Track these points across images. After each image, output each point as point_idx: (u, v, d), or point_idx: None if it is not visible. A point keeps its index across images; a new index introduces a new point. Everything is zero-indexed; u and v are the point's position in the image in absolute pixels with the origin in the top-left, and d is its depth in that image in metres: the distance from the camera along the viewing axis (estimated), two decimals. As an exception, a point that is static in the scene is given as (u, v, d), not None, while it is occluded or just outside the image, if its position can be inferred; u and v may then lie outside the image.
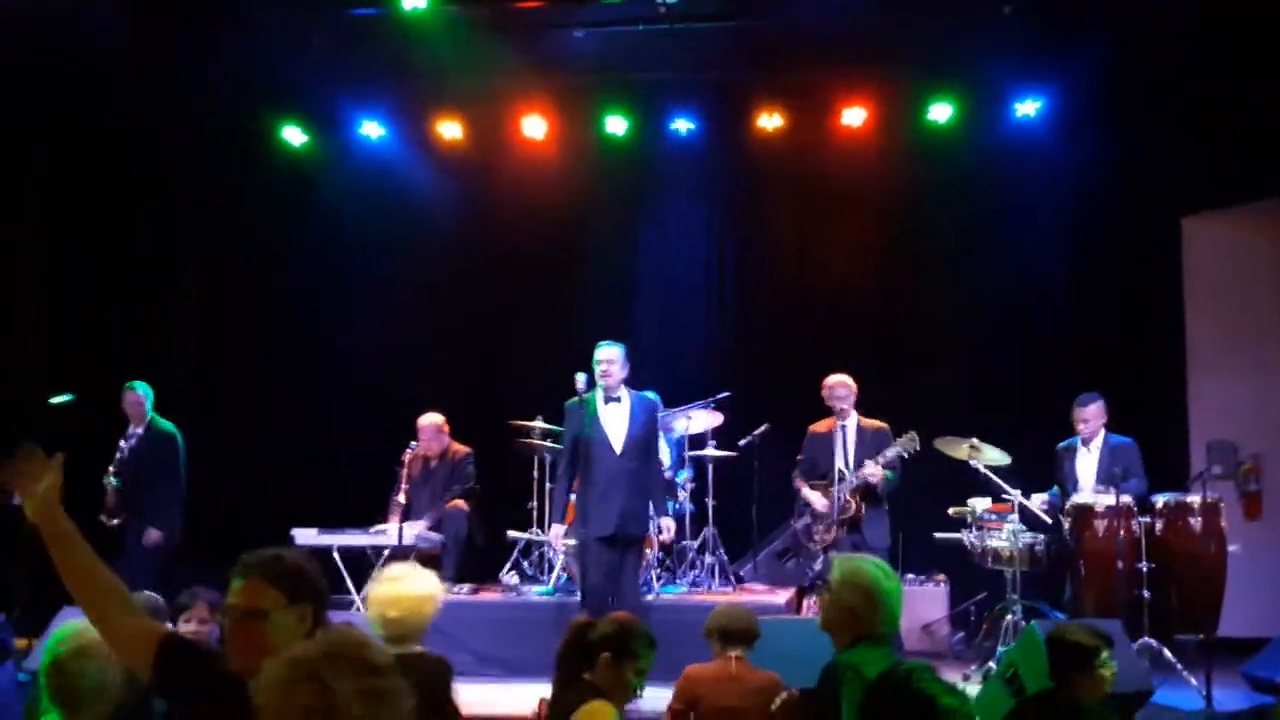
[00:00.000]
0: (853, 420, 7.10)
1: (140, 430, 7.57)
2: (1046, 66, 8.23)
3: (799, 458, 7.28)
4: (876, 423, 7.09)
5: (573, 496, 6.38)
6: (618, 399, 6.26)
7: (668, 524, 6.50)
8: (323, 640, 1.86)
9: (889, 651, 3.42)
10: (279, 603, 2.48)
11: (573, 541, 6.62)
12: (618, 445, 6.19)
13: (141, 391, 7.57)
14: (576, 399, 6.30)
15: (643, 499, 6.25)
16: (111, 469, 7.46)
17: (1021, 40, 7.85)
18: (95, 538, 7.38)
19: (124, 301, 8.77)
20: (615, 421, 6.23)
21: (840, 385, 7.09)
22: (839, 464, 6.98)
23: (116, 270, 8.73)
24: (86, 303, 8.64)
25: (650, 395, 6.56)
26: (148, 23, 7.57)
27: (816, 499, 7.04)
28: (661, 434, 6.98)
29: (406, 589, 3.52)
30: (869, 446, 6.98)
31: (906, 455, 6.85)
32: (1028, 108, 8.45)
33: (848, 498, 6.90)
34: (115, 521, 7.36)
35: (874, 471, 6.83)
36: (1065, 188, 8.29)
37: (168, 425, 7.59)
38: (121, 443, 7.58)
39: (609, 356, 6.25)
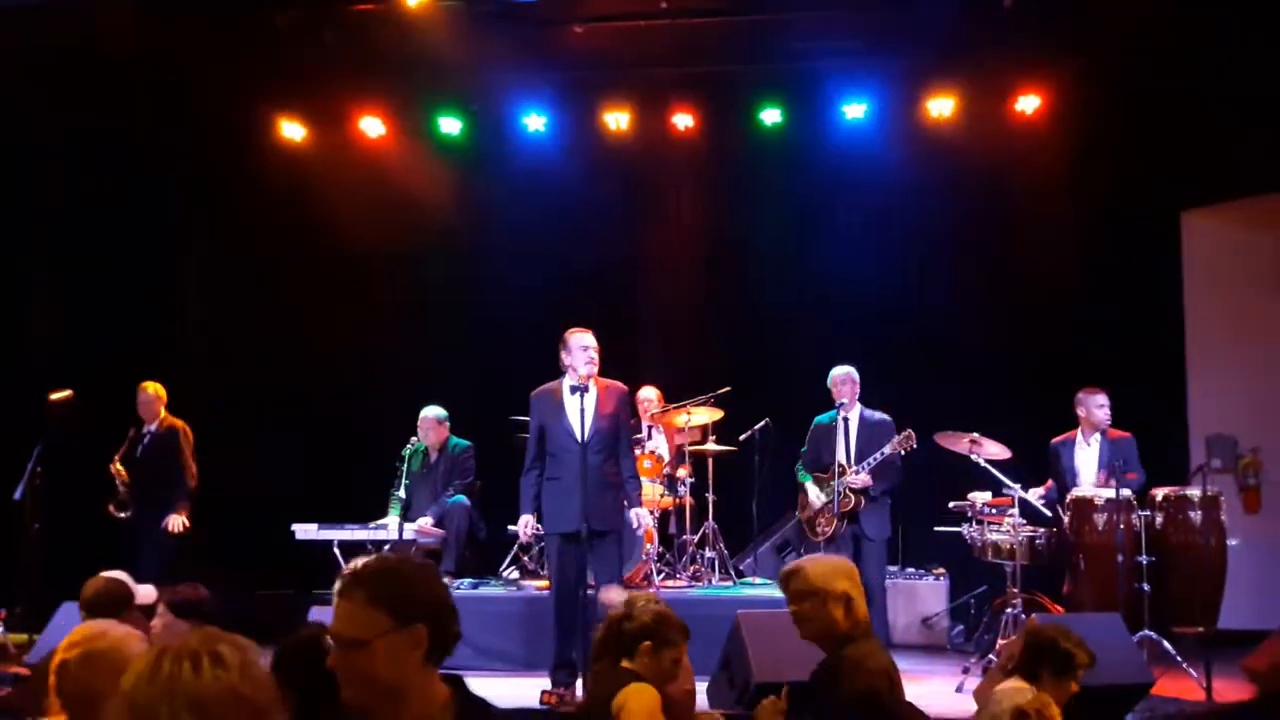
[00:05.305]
0: (856, 413, 7.09)
1: (153, 428, 7.68)
2: (1047, 61, 8.23)
3: (803, 449, 7.28)
4: (879, 415, 7.08)
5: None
6: (586, 389, 5.82)
7: (642, 514, 6.24)
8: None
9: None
10: (382, 627, 2.11)
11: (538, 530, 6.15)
12: (582, 437, 5.79)
13: (154, 391, 7.71)
14: (543, 389, 6.03)
15: (609, 492, 5.91)
16: (117, 460, 7.57)
17: (1022, 34, 7.84)
18: (106, 529, 7.37)
19: (127, 297, 8.79)
20: (582, 413, 5.81)
21: (845, 379, 7.09)
22: (840, 457, 6.98)
23: (120, 266, 8.75)
24: (91, 299, 8.67)
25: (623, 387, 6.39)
26: (154, 15, 7.57)
27: (815, 492, 7.04)
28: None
29: None
30: (870, 439, 6.97)
31: (904, 453, 6.83)
32: (1027, 102, 8.45)
33: (847, 491, 6.90)
34: (124, 515, 7.52)
35: (860, 480, 6.84)
36: (1065, 182, 8.28)
37: (178, 421, 7.72)
38: (133, 435, 7.69)
39: (595, 344, 5.94)
